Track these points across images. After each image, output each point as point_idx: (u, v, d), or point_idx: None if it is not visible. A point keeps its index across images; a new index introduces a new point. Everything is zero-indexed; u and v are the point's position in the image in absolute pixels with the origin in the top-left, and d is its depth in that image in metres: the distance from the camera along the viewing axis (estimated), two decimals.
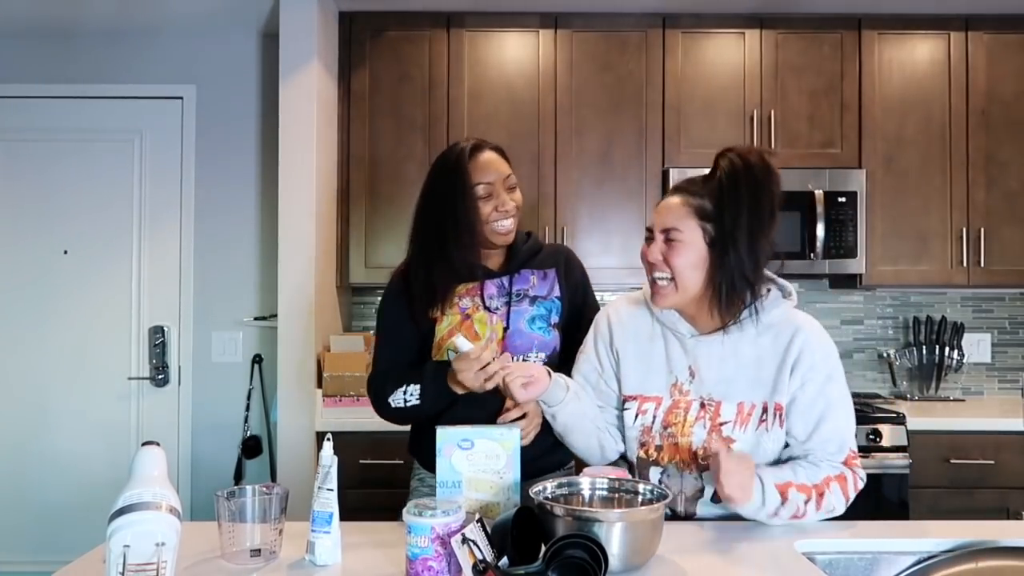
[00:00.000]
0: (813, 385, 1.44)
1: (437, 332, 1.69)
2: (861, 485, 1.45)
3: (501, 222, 1.68)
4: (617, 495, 1.35)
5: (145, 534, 1.04)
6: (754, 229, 1.38)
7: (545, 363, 1.64)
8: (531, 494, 1.26)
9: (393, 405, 1.63)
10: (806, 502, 1.39)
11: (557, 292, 1.75)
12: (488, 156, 1.69)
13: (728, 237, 1.39)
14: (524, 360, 1.65)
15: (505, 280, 1.72)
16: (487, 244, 1.70)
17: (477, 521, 1.15)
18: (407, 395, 1.61)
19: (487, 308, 1.68)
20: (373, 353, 1.79)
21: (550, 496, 1.30)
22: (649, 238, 1.51)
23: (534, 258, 1.77)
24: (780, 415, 1.44)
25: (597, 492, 1.36)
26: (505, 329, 1.68)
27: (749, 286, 1.42)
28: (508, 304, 1.70)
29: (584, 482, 1.36)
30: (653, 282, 1.50)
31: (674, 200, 1.46)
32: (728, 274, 1.40)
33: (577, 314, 1.77)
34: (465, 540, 1.10)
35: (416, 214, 1.73)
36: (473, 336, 1.65)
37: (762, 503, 1.37)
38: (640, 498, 1.32)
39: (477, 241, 1.67)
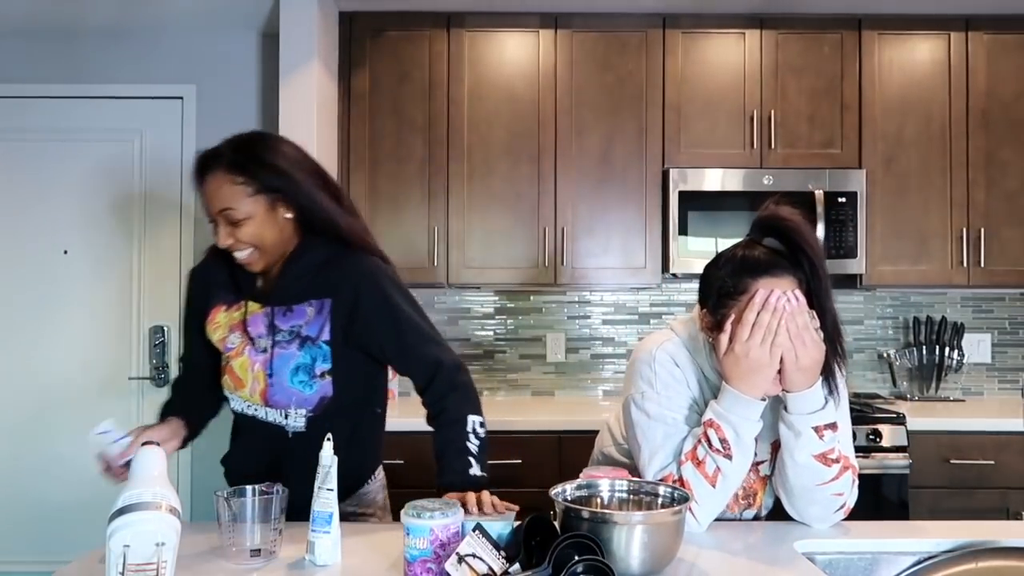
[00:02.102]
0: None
1: (223, 359, 1.57)
2: (852, 501, 1.45)
3: (234, 252, 1.49)
4: (637, 497, 1.34)
5: (145, 534, 1.04)
6: (831, 287, 1.38)
7: (309, 418, 1.51)
8: (551, 495, 1.25)
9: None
10: (842, 468, 1.39)
11: (326, 335, 1.50)
12: (208, 184, 1.46)
13: (822, 304, 1.37)
14: (285, 415, 1.52)
15: (269, 315, 1.51)
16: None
17: (475, 529, 1.13)
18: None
19: (251, 338, 1.51)
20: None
21: (570, 498, 1.29)
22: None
23: (315, 281, 1.51)
24: None
25: (616, 494, 1.34)
26: (270, 376, 1.50)
27: (840, 345, 1.41)
28: (273, 346, 1.50)
29: (603, 484, 1.34)
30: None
31: (787, 282, 1.35)
32: (827, 338, 1.37)
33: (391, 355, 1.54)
34: (462, 559, 1.08)
35: None
36: (237, 382, 1.53)
37: (823, 401, 1.36)
38: (660, 500, 1.31)
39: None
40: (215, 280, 1.58)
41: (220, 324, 1.56)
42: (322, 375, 1.51)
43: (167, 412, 1.59)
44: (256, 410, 1.55)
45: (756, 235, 1.42)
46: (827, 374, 1.38)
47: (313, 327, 1.50)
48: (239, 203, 1.45)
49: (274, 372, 1.50)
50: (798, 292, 1.33)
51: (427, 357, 1.52)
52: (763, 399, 1.35)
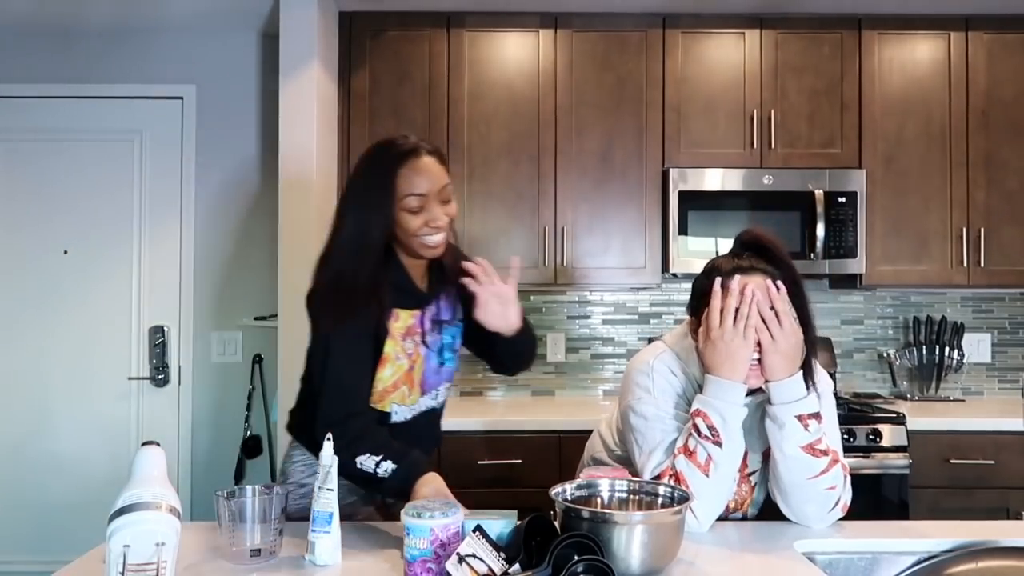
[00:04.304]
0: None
1: (380, 379, 1.52)
2: (847, 498, 1.46)
3: (430, 237, 1.50)
4: (637, 497, 1.34)
5: (145, 534, 1.04)
6: (805, 299, 1.45)
7: (449, 389, 1.69)
8: (551, 495, 1.26)
9: (357, 465, 1.42)
10: (831, 460, 1.40)
11: (460, 313, 1.65)
12: (425, 162, 1.49)
13: (802, 310, 1.43)
14: (436, 395, 1.64)
15: (432, 308, 1.60)
16: (413, 256, 1.55)
17: (475, 530, 1.13)
18: (379, 468, 1.41)
19: (424, 334, 1.57)
20: (324, 376, 1.48)
21: (570, 498, 1.30)
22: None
23: (441, 272, 1.62)
24: None
25: (616, 494, 1.35)
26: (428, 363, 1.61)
27: (815, 352, 1.46)
28: (440, 337, 1.62)
29: (603, 484, 1.35)
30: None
31: (758, 277, 1.42)
32: (809, 344, 1.44)
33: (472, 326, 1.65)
34: (462, 559, 1.08)
35: (341, 215, 1.53)
36: (412, 385, 1.56)
37: (804, 391, 1.40)
38: (660, 500, 1.32)
39: (403, 256, 1.54)
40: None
41: (397, 336, 1.54)
42: (456, 351, 1.68)
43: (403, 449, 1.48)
44: (414, 408, 1.61)
45: (737, 249, 1.51)
46: (806, 370, 1.42)
47: (447, 310, 1.64)
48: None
49: (431, 357, 1.61)
50: (779, 283, 1.40)
51: None
52: (744, 383, 1.39)
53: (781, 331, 1.37)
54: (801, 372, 1.40)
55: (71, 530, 3.19)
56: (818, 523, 1.44)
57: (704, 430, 1.38)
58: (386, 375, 1.53)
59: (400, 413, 1.59)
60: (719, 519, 1.49)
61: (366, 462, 1.42)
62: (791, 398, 1.38)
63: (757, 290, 1.38)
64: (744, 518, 1.55)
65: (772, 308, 1.39)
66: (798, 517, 1.45)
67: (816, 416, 1.39)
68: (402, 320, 1.55)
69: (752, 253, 1.48)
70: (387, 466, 1.42)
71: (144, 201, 3.30)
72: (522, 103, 3.04)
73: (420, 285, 1.59)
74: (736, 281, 1.41)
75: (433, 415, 1.68)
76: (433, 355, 1.61)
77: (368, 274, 1.47)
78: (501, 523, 1.19)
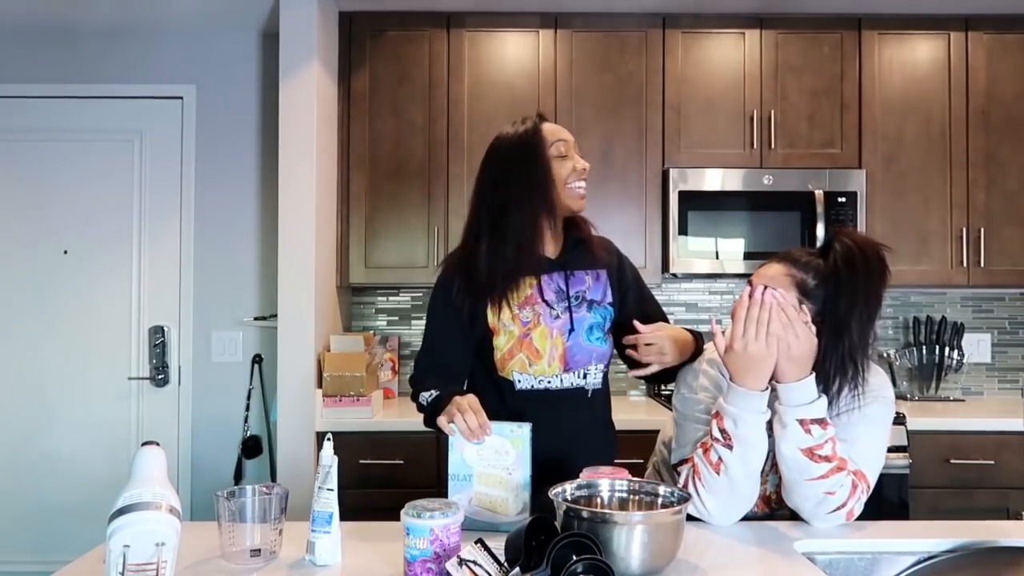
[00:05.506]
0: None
1: (497, 348, 1.63)
2: (854, 508, 1.44)
3: (578, 183, 1.67)
4: (637, 497, 1.34)
5: (145, 534, 1.04)
6: (866, 317, 1.41)
7: (604, 373, 1.70)
8: (551, 495, 1.26)
9: (420, 400, 1.61)
10: (834, 468, 1.38)
11: (610, 298, 1.70)
12: (555, 124, 1.71)
13: (842, 323, 1.40)
14: (584, 375, 1.64)
15: (560, 280, 1.65)
16: (562, 210, 1.67)
17: (477, 542, 1.13)
18: (429, 398, 1.58)
19: (549, 305, 1.62)
20: (423, 342, 1.73)
21: (570, 498, 1.30)
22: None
23: (587, 253, 1.71)
24: None
25: (616, 494, 1.35)
26: (569, 337, 1.63)
27: (855, 367, 1.43)
28: (569, 311, 1.64)
29: (603, 484, 1.35)
30: None
31: (776, 268, 1.48)
32: (838, 356, 1.41)
33: (635, 316, 1.69)
34: (463, 562, 1.09)
35: (477, 194, 1.67)
36: (534, 355, 1.61)
37: (813, 396, 1.38)
38: (660, 500, 1.32)
39: (553, 208, 1.64)
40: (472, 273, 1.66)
41: (504, 304, 1.62)
42: (607, 332, 1.68)
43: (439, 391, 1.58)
44: (550, 381, 1.63)
45: (819, 248, 1.49)
46: (839, 387, 1.42)
47: (596, 291, 1.68)
48: None
49: (571, 336, 1.63)
50: (781, 290, 1.38)
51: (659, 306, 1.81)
52: (763, 390, 1.38)
53: (798, 340, 1.35)
54: (813, 376, 1.38)
55: (71, 530, 3.19)
56: (814, 521, 1.44)
57: (716, 433, 1.40)
58: (500, 342, 1.63)
59: (525, 381, 1.63)
60: (755, 516, 1.50)
61: (424, 394, 1.58)
62: (797, 402, 1.37)
63: (770, 294, 1.36)
64: (795, 516, 1.52)
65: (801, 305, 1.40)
66: (796, 510, 1.46)
67: (820, 422, 1.37)
68: (520, 291, 1.62)
69: (820, 251, 1.47)
70: (433, 394, 1.57)
71: (144, 201, 3.30)
72: (522, 103, 3.04)
73: (547, 251, 1.67)
74: (757, 274, 1.45)
75: (581, 396, 1.65)
76: (578, 331, 1.63)
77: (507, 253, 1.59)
78: (511, 426, 1.37)
